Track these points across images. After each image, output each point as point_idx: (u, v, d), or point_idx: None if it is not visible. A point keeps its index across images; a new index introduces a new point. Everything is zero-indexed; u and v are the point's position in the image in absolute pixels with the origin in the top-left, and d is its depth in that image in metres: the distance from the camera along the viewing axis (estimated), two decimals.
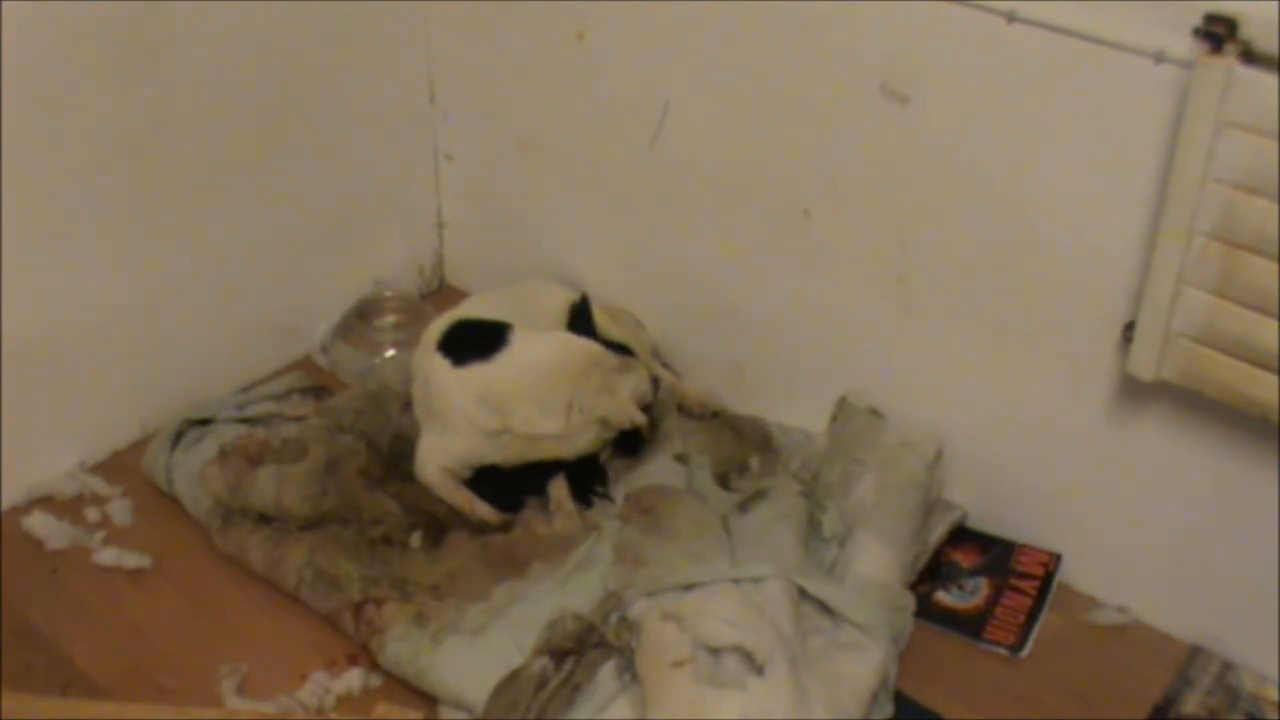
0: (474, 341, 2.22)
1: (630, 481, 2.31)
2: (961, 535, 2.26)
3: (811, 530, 2.17)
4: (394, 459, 2.36)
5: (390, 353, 2.72)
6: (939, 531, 2.25)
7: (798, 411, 2.45)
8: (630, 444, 2.33)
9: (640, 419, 2.19)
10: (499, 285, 2.56)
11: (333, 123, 2.56)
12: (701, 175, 2.39)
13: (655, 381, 2.47)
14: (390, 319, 2.92)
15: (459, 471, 2.27)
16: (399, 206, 3.01)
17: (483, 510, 2.26)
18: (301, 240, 2.66)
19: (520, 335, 2.20)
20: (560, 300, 2.56)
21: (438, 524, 2.24)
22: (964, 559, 2.23)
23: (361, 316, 2.78)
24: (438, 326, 2.34)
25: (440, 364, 2.24)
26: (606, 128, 2.47)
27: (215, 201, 2.42)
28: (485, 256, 3.06)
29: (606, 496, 2.28)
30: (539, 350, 2.20)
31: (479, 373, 2.19)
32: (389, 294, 2.98)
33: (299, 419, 2.46)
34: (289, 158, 2.54)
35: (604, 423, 2.19)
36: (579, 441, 2.21)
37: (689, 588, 1.94)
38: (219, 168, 2.39)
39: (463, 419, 2.19)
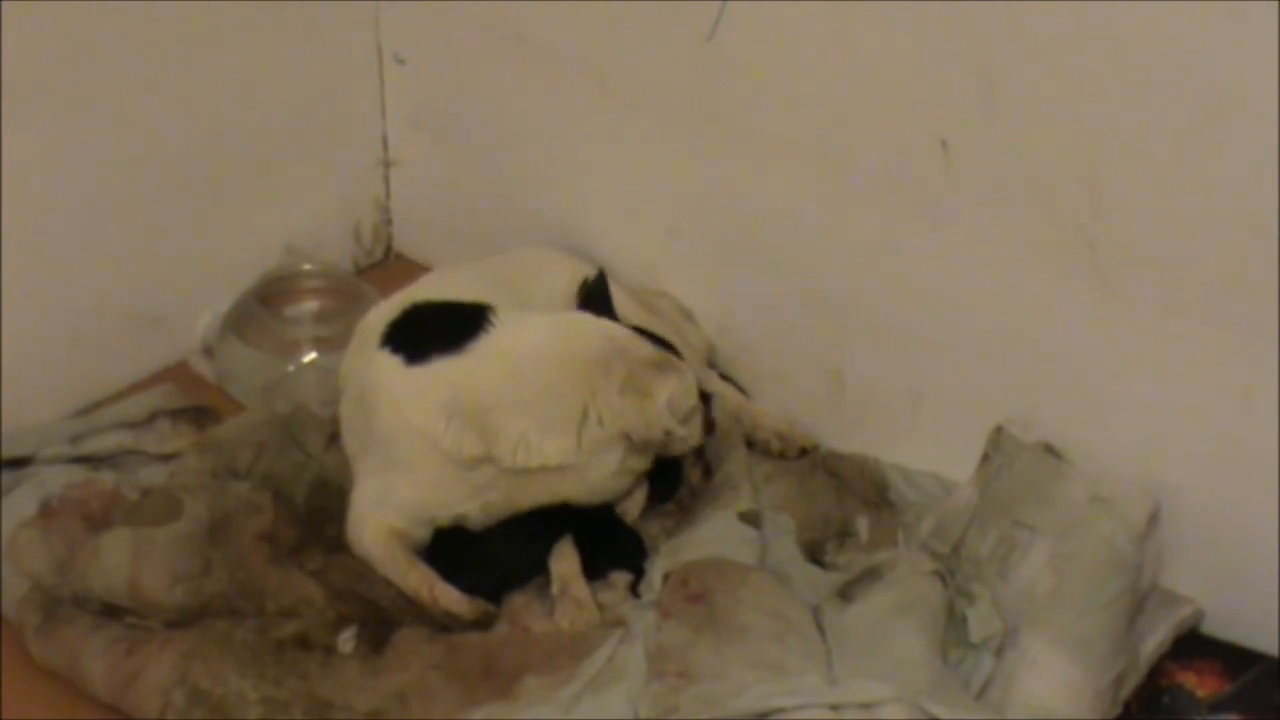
0: (437, 329, 2.29)
1: (673, 552, 2.35)
2: (1194, 645, 2.26)
3: (952, 631, 2.21)
4: (314, 518, 2.42)
5: (309, 356, 2.76)
6: (1157, 638, 2.24)
7: (928, 449, 2.51)
8: (665, 484, 2.44)
9: (685, 435, 2.28)
10: (475, 256, 2.72)
11: (220, 7, 2.61)
12: (781, 88, 2.44)
13: (707, 399, 2.52)
14: (309, 305, 2.97)
15: (412, 534, 2.33)
16: (323, 135, 3.04)
17: (448, 596, 2.29)
18: (174, 185, 2.75)
19: (506, 317, 2.28)
20: (565, 276, 2.63)
21: (380, 617, 2.28)
22: (1200, 684, 2.20)
23: (265, 302, 2.87)
24: (381, 314, 2.41)
25: (386, 364, 2.31)
26: (640, 16, 2.53)
27: (35, 119, 2.44)
28: (453, 212, 3.11)
29: (637, 572, 2.34)
30: (536, 335, 2.27)
31: (445, 372, 2.25)
32: (308, 267, 3.01)
33: (168, 458, 2.50)
34: (155, 56, 2.57)
35: (632, 443, 2.26)
36: (595, 477, 2.28)
37: (763, 718, 1.96)
38: (42, 68, 2.42)
39: (420, 446, 2.26)
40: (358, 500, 2.37)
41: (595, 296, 2.45)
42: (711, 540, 2.38)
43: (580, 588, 2.32)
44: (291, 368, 2.76)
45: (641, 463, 2.34)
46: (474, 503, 2.31)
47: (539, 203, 2.86)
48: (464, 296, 2.38)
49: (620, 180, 2.77)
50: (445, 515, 2.34)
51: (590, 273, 2.59)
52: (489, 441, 2.24)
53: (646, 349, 2.31)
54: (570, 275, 2.58)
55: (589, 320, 2.34)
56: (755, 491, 2.50)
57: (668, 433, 2.29)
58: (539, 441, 2.24)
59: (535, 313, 2.37)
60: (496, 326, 2.28)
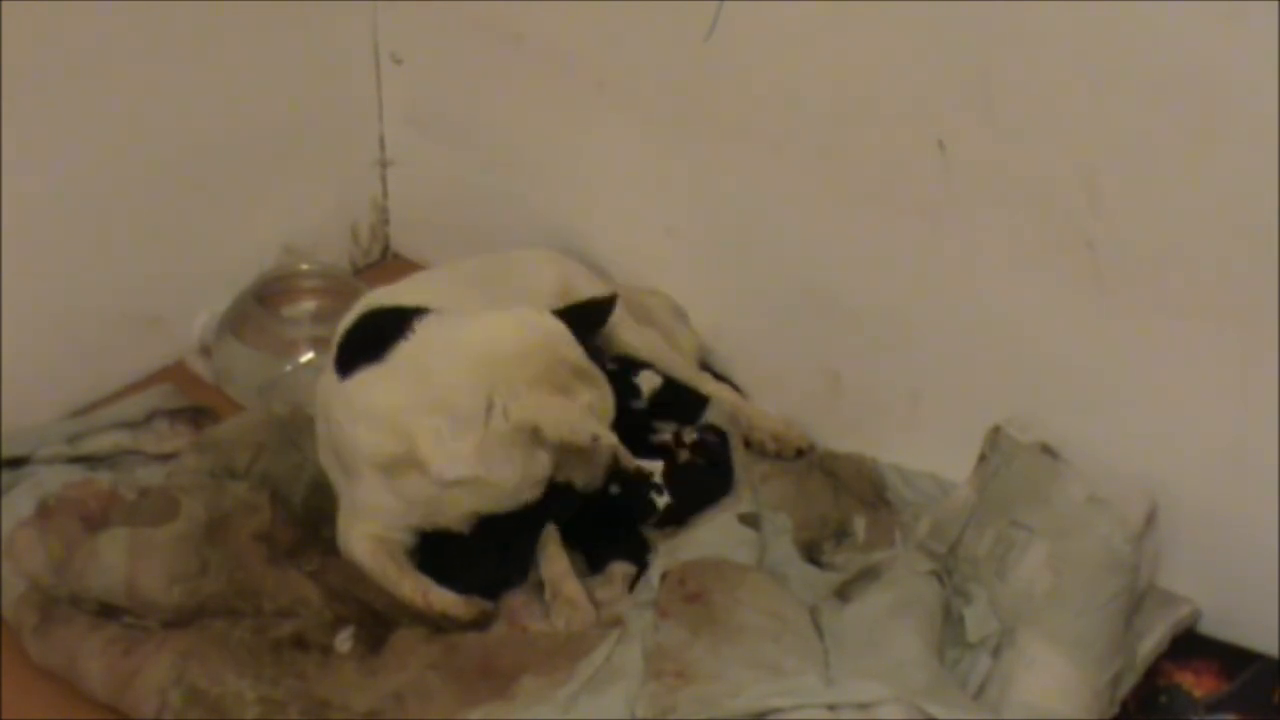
0: (371, 338, 2.30)
1: (671, 552, 2.35)
2: (1191, 645, 2.25)
3: (949, 630, 2.21)
4: (312, 519, 2.41)
5: (307, 356, 2.74)
6: (1154, 638, 2.23)
7: (925, 448, 2.50)
8: (627, 507, 2.42)
9: (611, 440, 2.23)
10: (472, 256, 2.68)
11: (217, 6, 2.61)
12: (779, 88, 2.43)
13: (697, 403, 2.55)
14: (307, 305, 2.95)
15: (395, 539, 2.34)
16: (320, 134, 3.03)
17: (443, 600, 2.30)
18: (171, 184, 2.72)
19: (433, 320, 2.27)
20: (551, 276, 2.62)
21: (377, 618, 2.28)
22: (1197, 683, 2.19)
23: (263, 302, 2.84)
24: (345, 321, 2.42)
25: (328, 379, 2.33)
26: (637, 15, 2.53)
27: (32, 119, 2.43)
28: (451, 212, 3.09)
29: (639, 563, 2.36)
30: (458, 334, 2.26)
31: (367, 381, 2.26)
32: (305, 267, 2.99)
33: (165, 458, 2.50)
34: (153, 56, 2.56)
35: (547, 446, 2.21)
36: (501, 478, 2.23)
37: (760, 718, 1.95)
38: (40, 69, 2.42)
39: (361, 457, 2.27)
40: (341, 512, 2.37)
41: (586, 318, 2.40)
42: (709, 540, 2.38)
43: (572, 587, 2.31)
44: (289, 368, 2.75)
45: (586, 474, 2.32)
46: (415, 513, 2.30)
47: (536, 202, 2.85)
48: (438, 297, 2.37)
49: (618, 180, 2.76)
50: (410, 522, 2.33)
51: (575, 273, 2.64)
52: (406, 442, 2.22)
53: (577, 354, 2.29)
54: (556, 276, 2.58)
55: (528, 316, 2.30)
56: (753, 492, 2.50)
57: (595, 438, 2.23)
58: (451, 439, 2.21)
59: (488, 310, 2.34)
60: (417, 331, 2.27)
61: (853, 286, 2.53)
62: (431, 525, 2.33)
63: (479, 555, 2.34)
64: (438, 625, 2.29)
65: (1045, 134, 2.22)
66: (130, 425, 2.59)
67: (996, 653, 2.18)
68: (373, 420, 2.26)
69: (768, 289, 2.66)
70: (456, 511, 2.30)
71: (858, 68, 2.35)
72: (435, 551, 2.36)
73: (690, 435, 2.57)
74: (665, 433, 2.57)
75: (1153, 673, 2.23)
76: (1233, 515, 2.24)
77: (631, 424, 2.49)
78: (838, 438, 2.63)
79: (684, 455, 2.54)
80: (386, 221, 3.12)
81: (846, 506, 2.53)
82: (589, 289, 2.63)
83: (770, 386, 2.70)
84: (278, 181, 2.86)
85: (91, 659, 2.21)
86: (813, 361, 2.63)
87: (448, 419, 2.22)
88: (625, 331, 2.62)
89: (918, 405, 2.54)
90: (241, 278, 2.84)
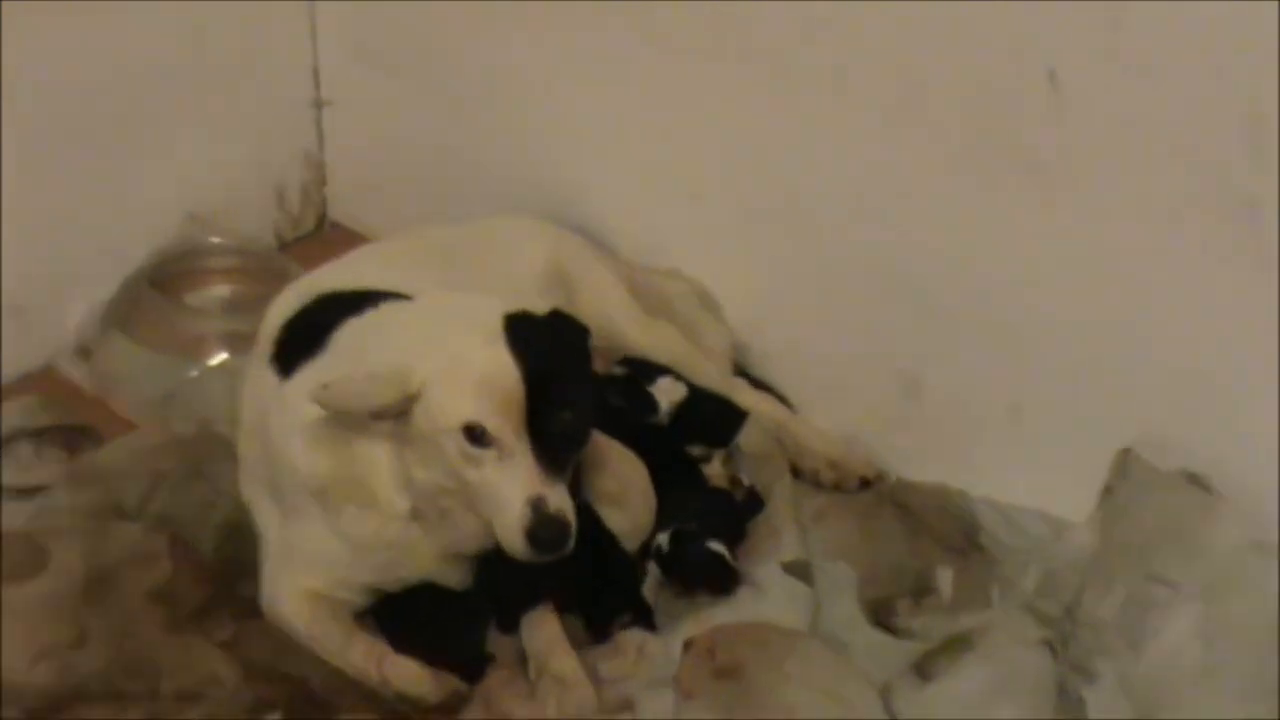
0: (316, 332, 2.34)
1: (697, 612, 2.39)
2: None
3: (1065, 716, 2.21)
4: (226, 572, 2.43)
5: (219, 357, 2.82)
6: None
7: (1031, 477, 2.53)
8: (611, 598, 2.46)
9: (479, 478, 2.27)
10: (431, 223, 2.71)
11: None
12: (839, 12, 2.49)
13: (735, 416, 2.57)
14: (219, 290, 2.95)
15: (342, 597, 2.38)
16: (236, 68, 3.00)
17: (403, 674, 2.32)
18: (38, 136, 2.75)
19: (391, 310, 2.35)
20: (539, 253, 2.68)
21: (312, 701, 2.28)
22: None
23: (160, 287, 2.88)
24: (281, 308, 2.44)
25: (267, 381, 2.37)
26: None
27: None
28: (404, 169, 3.08)
29: (645, 626, 2.38)
30: (405, 317, 2.32)
31: (305, 383, 2.30)
32: (216, 241, 2.97)
33: (30, 492, 2.53)
34: None
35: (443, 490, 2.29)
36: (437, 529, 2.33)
37: None
38: None
39: (301, 484, 2.33)
40: (268, 561, 2.41)
41: (551, 332, 2.39)
42: (746, 597, 2.42)
43: (563, 661, 2.35)
44: (195, 373, 2.76)
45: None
46: (368, 562, 2.37)
47: (517, 159, 2.89)
48: (391, 279, 2.44)
49: (626, 132, 2.82)
50: (361, 576, 2.39)
51: (570, 250, 2.67)
52: (358, 463, 2.31)
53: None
54: (546, 252, 2.66)
55: (470, 301, 2.36)
56: (803, 534, 2.53)
57: (465, 457, 2.26)
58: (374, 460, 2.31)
59: (448, 294, 2.41)
60: (377, 319, 2.34)
61: (935, 268, 2.55)
62: (391, 580, 2.38)
63: (449, 618, 2.37)
64: (394, 709, 2.30)
65: (1194, 63, 2.22)
66: None
67: None
68: (317, 435, 2.30)
69: (823, 272, 2.68)
70: (420, 558, 2.35)
71: None
72: (394, 614, 2.39)
73: (725, 464, 2.65)
74: (711, 468, 2.65)
75: None
76: None
77: (651, 444, 2.57)
78: (915, 463, 2.66)
79: (741, 494, 2.62)
80: (323, 180, 3.11)
81: (927, 554, 2.56)
82: (588, 270, 2.65)
83: (827, 397, 2.73)
84: (180, 129, 2.90)
85: None
86: (882, 364, 2.65)
87: (366, 435, 2.30)
88: (635, 328, 2.67)
89: (1020, 420, 2.56)
90: (132, 256, 2.89)
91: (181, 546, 2.46)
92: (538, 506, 2.23)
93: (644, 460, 2.58)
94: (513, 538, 2.24)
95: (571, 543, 2.27)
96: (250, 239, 2.93)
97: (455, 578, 2.41)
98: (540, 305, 2.42)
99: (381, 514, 2.33)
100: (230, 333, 2.78)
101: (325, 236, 3.08)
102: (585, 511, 2.41)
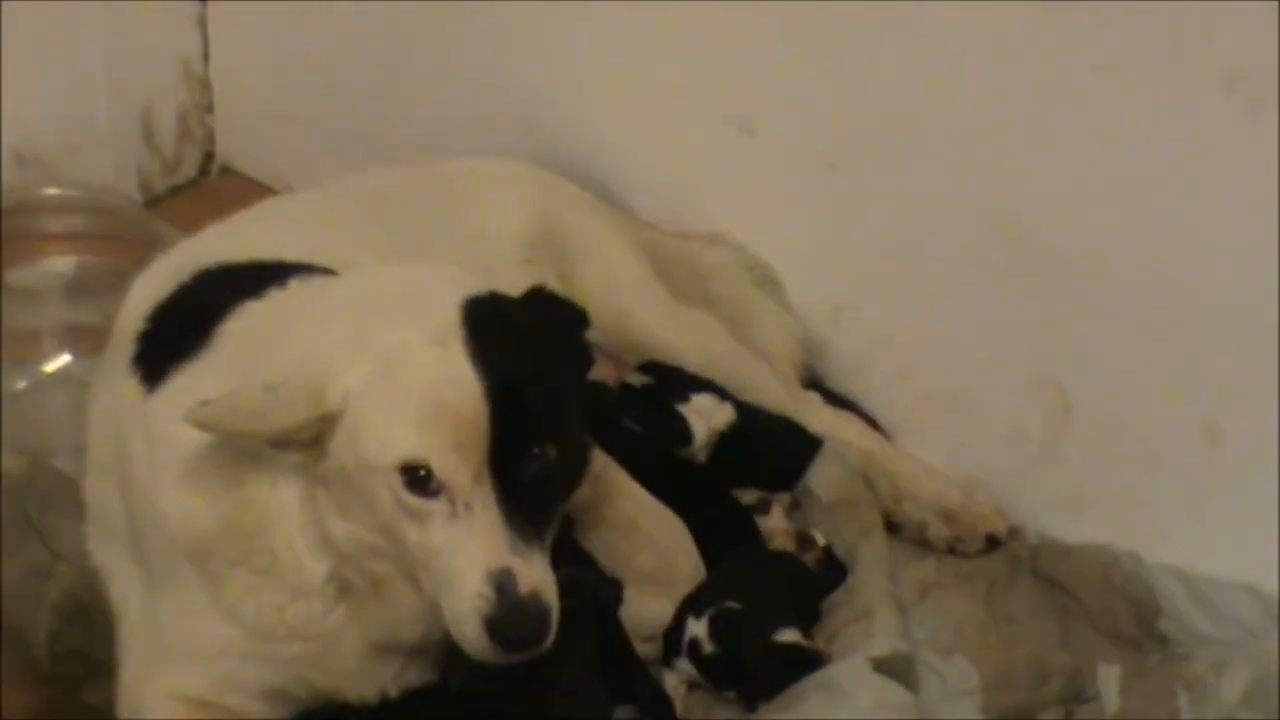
0: (196, 323, 2.23)
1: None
2: None
3: None
4: (66, 671, 2.35)
5: (57, 360, 2.61)
6: None
7: (1229, 535, 2.40)
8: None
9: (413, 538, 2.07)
10: (372, 168, 2.54)
11: None
12: None
13: (804, 448, 2.41)
14: (57, 264, 2.77)
15: (234, 707, 2.23)
16: None
17: None
18: None
19: (304, 287, 2.23)
20: (518, 204, 2.58)
21: None
22: None
23: None
24: (147, 290, 2.33)
25: (128, 395, 2.24)
26: None
27: None
28: (328, 92, 2.88)
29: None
30: (322, 302, 2.18)
31: (189, 394, 2.11)
32: (53, 193, 2.80)
33: None
34: None
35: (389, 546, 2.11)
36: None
37: None
38: None
39: (176, 539, 2.16)
40: (126, 650, 2.25)
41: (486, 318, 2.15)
42: (821, 706, 2.26)
43: None
44: (23, 383, 2.63)
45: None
46: (269, 657, 2.18)
47: (488, 75, 2.73)
48: (314, 244, 2.33)
49: (643, 34, 2.69)
50: (263, 676, 2.20)
51: (561, 200, 2.54)
52: (229, 505, 2.12)
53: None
54: (531, 207, 2.67)
55: (415, 277, 2.19)
56: (903, 617, 2.40)
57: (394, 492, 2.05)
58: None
59: (384, 268, 2.28)
60: (283, 302, 2.19)
61: (1090, 234, 2.42)
62: (299, 684, 2.21)
63: None
64: None
65: None
66: None
67: None
68: (196, 472, 2.13)
69: (928, 238, 2.59)
70: (341, 651, 2.18)
71: None
72: None
73: (790, 516, 2.51)
74: (770, 522, 2.50)
75: None
76: None
77: (684, 487, 2.42)
78: (1065, 515, 2.51)
79: (814, 559, 2.47)
80: (209, 106, 2.94)
81: (1084, 644, 2.41)
82: (590, 234, 2.55)
83: (938, 417, 2.61)
84: (2, 32, 2.64)
85: None
86: (1015, 370, 2.52)
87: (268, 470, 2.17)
88: (658, 318, 2.57)
89: (1216, 450, 2.39)
90: None
91: (0, 636, 2.33)
92: (503, 585, 2.01)
93: (674, 510, 2.42)
94: (466, 627, 2.02)
95: (549, 638, 2.05)
96: (104, 189, 2.74)
97: (389, 681, 2.22)
98: (516, 282, 2.29)
99: (286, 583, 2.14)
100: (73, 325, 2.58)
101: (212, 186, 2.92)
102: (585, 589, 2.25)
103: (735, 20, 2.62)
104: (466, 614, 2.00)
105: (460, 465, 1.99)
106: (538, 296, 2.23)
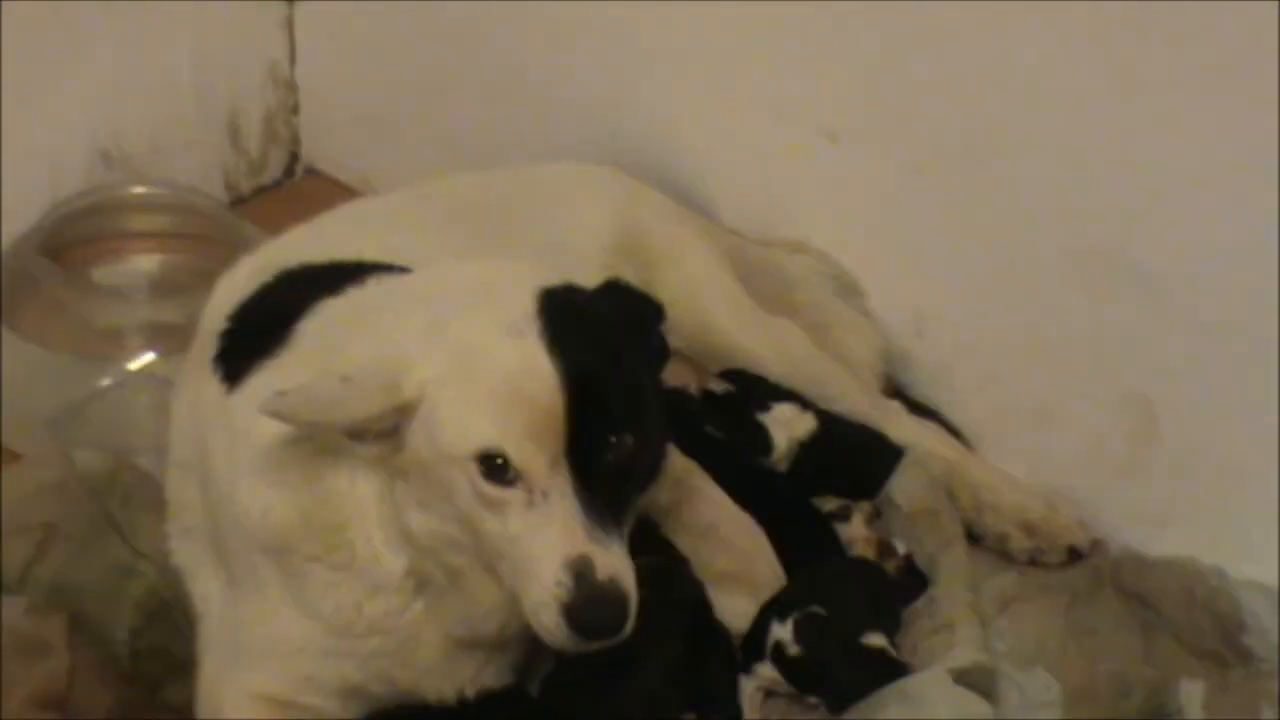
0: (279, 322, 2.24)
1: None
2: None
3: None
4: (147, 669, 2.34)
5: (142, 358, 2.62)
6: None
7: None
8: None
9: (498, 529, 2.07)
10: (453, 170, 2.55)
11: None
12: None
13: (886, 457, 2.42)
14: (141, 263, 2.77)
15: (312, 707, 2.23)
16: None
17: None
18: None
19: (392, 286, 2.23)
20: (602, 210, 2.58)
21: None
22: None
23: (57, 257, 2.68)
24: (231, 289, 2.36)
25: (210, 394, 2.25)
26: None
27: None
28: (415, 96, 2.90)
29: None
30: (399, 297, 2.20)
31: (263, 392, 2.11)
32: (139, 192, 2.79)
33: None
34: None
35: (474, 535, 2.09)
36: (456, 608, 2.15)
37: None
38: None
39: (257, 536, 2.18)
40: (207, 649, 2.26)
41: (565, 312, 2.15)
42: (907, 716, 2.26)
43: None
44: (107, 380, 2.63)
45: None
46: (350, 653, 2.18)
47: (574, 83, 2.75)
48: (388, 248, 2.33)
49: (730, 42, 2.67)
50: (344, 672, 2.20)
51: (645, 206, 2.54)
52: (308, 500, 2.13)
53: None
54: (615, 214, 2.68)
55: (491, 271, 2.19)
56: (983, 628, 2.40)
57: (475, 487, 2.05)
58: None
59: (460, 263, 2.27)
60: (369, 300, 2.19)
61: (1183, 244, 2.41)
62: (380, 681, 2.21)
63: None
64: None
65: None
66: None
67: None
68: (276, 466, 2.15)
69: (1016, 248, 2.59)
70: (422, 648, 2.19)
71: None
72: None
73: (871, 524, 2.50)
74: (851, 530, 2.49)
75: None
76: None
77: (765, 495, 2.40)
78: (1147, 529, 2.51)
79: (895, 567, 2.47)
80: (294, 107, 2.95)
81: (1166, 659, 2.40)
82: (674, 241, 2.55)
83: (1023, 427, 2.60)
84: (91, 33, 2.64)
85: None
86: (1101, 382, 2.52)
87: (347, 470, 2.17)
88: (741, 325, 2.56)
89: None
90: (19, 212, 2.70)
91: (83, 633, 2.30)
92: (581, 572, 2.01)
93: (755, 518, 2.40)
94: (544, 615, 2.02)
95: (628, 625, 2.04)
96: (189, 189, 2.74)
97: (467, 680, 2.21)
98: (591, 277, 2.28)
99: (364, 578, 2.14)
100: (157, 323, 2.57)
101: (296, 187, 2.93)
102: (681, 584, 2.29)
103: (821, 27, 2.62)
104: (545, 602, 2.00)
105: (536, 454, 2.00)
106: (614, 288, 2.23)
